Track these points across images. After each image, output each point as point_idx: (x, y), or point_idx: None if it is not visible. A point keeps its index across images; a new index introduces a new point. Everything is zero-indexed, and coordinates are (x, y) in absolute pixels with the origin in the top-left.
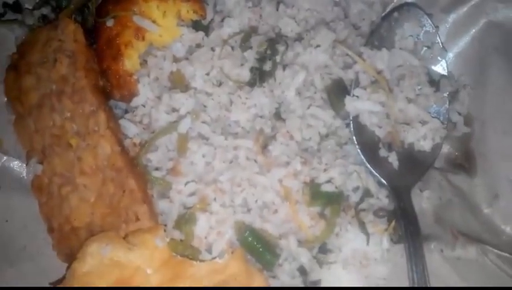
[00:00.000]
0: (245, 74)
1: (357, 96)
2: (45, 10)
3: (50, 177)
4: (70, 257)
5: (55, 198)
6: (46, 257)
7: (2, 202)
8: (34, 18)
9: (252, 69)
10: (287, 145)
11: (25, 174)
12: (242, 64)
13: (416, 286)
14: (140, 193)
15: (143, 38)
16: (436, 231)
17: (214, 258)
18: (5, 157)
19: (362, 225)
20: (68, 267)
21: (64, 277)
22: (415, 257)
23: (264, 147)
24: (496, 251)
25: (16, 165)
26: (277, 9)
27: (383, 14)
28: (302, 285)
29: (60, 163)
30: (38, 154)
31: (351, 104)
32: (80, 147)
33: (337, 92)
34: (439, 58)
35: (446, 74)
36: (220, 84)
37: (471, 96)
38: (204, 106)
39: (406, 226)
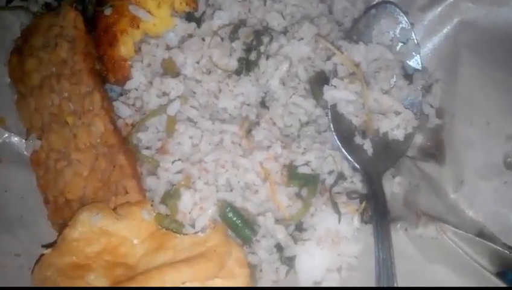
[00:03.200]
0: (233, 63)
1: (335, 86)
2: None
3: (47, 152)
4: (64, 227)
5: (52, 172)
6: (41, 226)
7: (3, 174)
8: (38, 5)
9: (239, 59)
10: (269, 131)
11: (24, 150)
12: (230, 54)
13: (380, 261)
14: (129, 168)
15: (138, 27)
16: (403, 213)
17: (197, 232)
18: (6, 134)
19: (335, 205)
20: (60, 235)
21: (55, 242)
22: (382, 235)
23: (248, 132)
24: (453, 228)
25: (17, 141)
26: (265, 4)
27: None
28: (279, 261)
29: (57, 139)
30: (38, 131)
31: (329, 93)
32: (76, 125)
33: (319, 82)
34: (413, 53)
35: (420, 68)
36: (209, 72)
37: (444, 90)
38: (194, 92)
39: (375, 207)
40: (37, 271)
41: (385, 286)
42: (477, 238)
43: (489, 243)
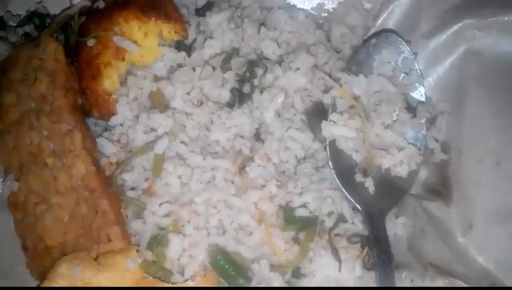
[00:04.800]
0: (225, 95)
1: (334, 122)
2: (28, 28)
3: (26, 194)
4: (44, 274)
5: (30, 216)
6: (20, 274)
7: None
8: (17, 35)
9: (232, 90)
10: (264, 168)
11: (1, 190)
12: (222, 85)
13: None
14: (113, 214)
15: (123, 59)
16: (408, 260)
17: (186, 280)
18: None
19: (335, 251)
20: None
21: None
22: (386, 285)
23: (242, 168)
24: (463, 284)
25: None
26: (259, 32)
27: (365, 38)
28: None
29: (36, 181)
30: (16, 172)
31: (327, 129)
32: (56, 166)
33: (317, 114)
34: (417, 84)
35: (424, 100)
36: (200, 104)
37: (449, 123)
38: (184, 126)
39: (378, 254)
40: None
41: None
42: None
43: None
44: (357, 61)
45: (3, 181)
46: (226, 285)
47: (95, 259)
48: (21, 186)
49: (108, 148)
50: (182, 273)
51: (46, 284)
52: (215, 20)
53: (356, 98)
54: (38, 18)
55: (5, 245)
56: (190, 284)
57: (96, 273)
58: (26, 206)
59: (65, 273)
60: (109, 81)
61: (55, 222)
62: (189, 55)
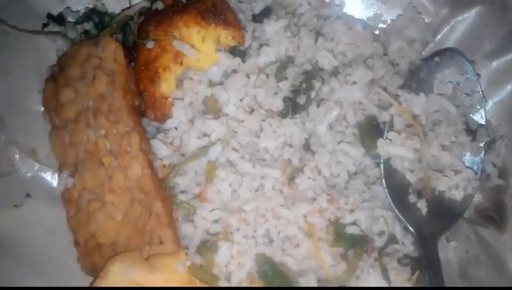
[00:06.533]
0: (278, 103)
1: (391, 140)
2: (87, 25)
3: (80, 191)
4: (93, 271)
5: (84, 212)
6: (70, 268)
7: (32, 210)
8: (76, 32)
9: (285, 99)
10: (314, 180)
11: (55, 185)
12: (276, 93)
13: None
14: (166, 217)
15: (181, 63)
16: (459, 285)
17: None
18: (37, 166)
19: (385, 271)
20: (91, 284)
21: None
22: None
23: (291, 179)
24: None
25: (48, 174)
26: (315, 42)
27: (425, 56)
28: None
29: (91, 179)
30: (71, 168)
31: (384, 148)
32: (112, 166)
33: (369, 129)
34: (478, 106)
35: (484, 123)
36: (251, 111)
37: (508, 147)
38: (235, 132)
39: (429, 277)
40: None
41: None
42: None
43: None
44: (417, 78)
45: (58, 176)
46: None
47: (146, 260)
48: (76, 182)
49: (161, 150)
50: (228, 280)
51: (98, 281)
52: (273, 28)
53: (414, 117)
54: (97, 16)
55: (56, 238)
56: None
57: (147, 274)
58: (79, 203)
59: (117, 272)
60: (166, 84)
61: (108, 221)
62: (243, 60)
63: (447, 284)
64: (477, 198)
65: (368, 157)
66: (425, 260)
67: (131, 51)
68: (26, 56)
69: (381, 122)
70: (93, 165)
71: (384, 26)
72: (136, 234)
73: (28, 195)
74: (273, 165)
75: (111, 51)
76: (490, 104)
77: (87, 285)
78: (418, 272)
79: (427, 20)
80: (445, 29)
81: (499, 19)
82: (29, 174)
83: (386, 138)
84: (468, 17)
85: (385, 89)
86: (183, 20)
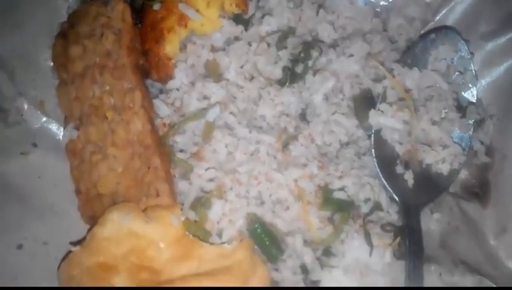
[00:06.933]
0: (277, 72)
1: (382, 111)
2: None
3: (84, 143)
4: (93, 219)
5: (86, 163)
6: (71, 216)
7: (38, 160)
8: None
9: (284, 68)
10: (307, 147)
11: (61, 137)
12: (276, 62)
13: None
14: (163, 171)
15: (185, 26)
16: (439, 255)
17: (223, 243)
18: (45, 118)
19: (368, 236)
20: (89, 230)
21: (84, 238)
22: (414, 276)
23: (285, 146)
24: (492, 284)
25: (54, 127)
26: (317, 14)
27: (421, 33)
28: (302, 283)
29: (95, 132)
30: (76, 121)
31: (375, 118)
32: (115, 120)
33: (364, 102)
34: (470, 85)
35: (475, 101)
36: (251, 78)
37: (497, 127)
38: (234, 97)
39: (410, 244)
40: (64, 268)
41: None
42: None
43: None
44: (412, 54)
45: (63, 128)
46: (260, 253)
47: (143, 211)
48: (80, 135)
49: (163, 109)
50: (219, 235)
51: (96, 228)
52: None
53: (407, 91)
54: None
55: (60, 188)
56: (227, 247)
57: (143, 224)
58: (83, 154)
59: (115, 220)
60: (171, 46)
61: (109, 172)
62: (246, 29)
63: (428, 253)
64: (464, 175)
65: (360, 129)
66: (407, 228)
67: (139, 12)
68: (38, 12)
69: (376, 95)
70: (97, 119)
71: (386, 3)
72: (134, 186)
73: (35, 145)
74: (269, 132)
75: (119, 10)
76: (483, 83)
77: (84, 232)
78: (399, 238)
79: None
80: (445, 9)
81: (496, 2)
82: (36, 125)
83: (378, 109)
84: None
85: (382, 64)
86: None
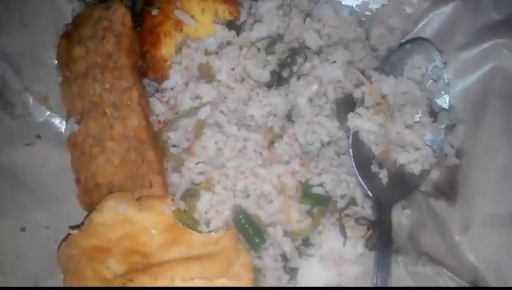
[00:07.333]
0: (265, 75)
1: (359, 115)
2: None
3: (84, 137)
4: (90, 207)
5: (86, 155)
6: (70, 204)
7: (41, 150)
8: None
9: (272, 72)
10: (290, 146)
11: (63, 130)
12: (264, 66)
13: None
14: (156, 164)
15: (181, 30)
16: (406, 247)
17: (210, 231)
18: (48, 112)
19: (343, 228)
20: (87, 216)
21: (82, 223)
22: (382, 264)
23: (271, 144)
24: (450, 274)
25: (57, 121)
26: (304, 22)
27: (400, 42)
28: (282, 269)
29: (95, 126)
30: (77, 116)
31: (353, 121)
32: (113, 116)
33: (345, 105)
34: (442, 92)
35: (446, 107)
36: (241, 80)
37: (467, 132)
38: (225, 98)
39: (380, 236)
40: (63, 249)
41: None
42: (470, 286)
43: None
44: (390, 62)
45: (66, 122)
46: (243, 241)
47: (137, 200)
48: (81, 128)
49: (158, 107)
50: (207, 224)
51: (94, 214)
52: (266, 6)
53: (383, 96)
54: None
55: (61, 176)
56: (213, 235)
57: (136, 211)
58: (83, 147)
59: (111, 207)
60: (167, 49)
61: (107, 164)
62: (238, 34)
63: (396, 245)
64: (435, 175)
65: (341, 130)
66: (379, 222)
67: (139, 16)
68: (45, 14)
69: (356, 99)
70: (97, 115)
71: (370, 13)
72: (129, 177)
73: (39, 136)
74: (257, 131)
75: (120, 15)
76: (456, 91)
77: (82, 218)
78: (371, 231)
79: (409, 11)
80: (424, 21)
81: (472, 15)
82: (40, 119)
83: (356, 112)
84: (446, 11)
85: (363, 71)
86: None
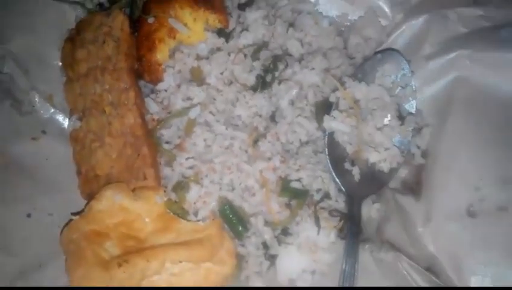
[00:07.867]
0: (251, 79)
1: (334, 117)
2: None
3: (85, 132)
4: (90, 196)
5: (86, 149)
6: (72, 193)
7: (46, 144)
8: (93, 4)
9: (257, 76)
10: (273, 144)
11: (66, 126)
12: (250, 71)
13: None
14: (150, 159)
15: (174, 37)
16: (374, 237)
17: (198, 220)
18: (53, 110)
19: (317, 219)
20: (87, 204)
21: (83, 210)
22: (351, 252)
23: (255, 142)
24: (408, 260)
25: (61, 117)
26: (287, 31)
27: (375, 51)
28: (263, 256)
29: (95, 123)
30: (79, 113)
31: (328, 123)
32: (112, 114)
33: (324, 108)
34: (410, 98)
35: (414, 112)
36: (229, 83)
37: (432, 134)
38: (214, 99)
39: (350, 226)
40: (66, 232)
41: None
42: (426, 272)
43: (434, 278)
44: (363, 70)
45: (68, 119)
46: (228, 230)
47: (132, 191)
48: (82, 125)
49: (153, 107)
50: (195, 214)
51: (93, 202)
52: (253, 16)
53: (356, 101)
54: None
55: (63, 168)
56: (200, 223)
57: (132, 201)
58: (84, 141)
59: (109, 197)
60: (161, 53)
61: (105, 157)
62: (227, 41)
63: (366, 235)
64: (404, 173)
65: (319, 131)
66: (349, 214)
67: (136, 23)
68: (51, 19)
69: (332, 103)
70: (97, 113)
71: (349, 24)
72: (126, 170)
73: (44, 132)
74: (243, 130)
75: (119, 21)
76: (423, 97)
77: (82, 206)
78: (343, 221)
79: (384, 23)
80: (397, 32)
81: (440, 27)
82: (45, 115)
83: (331, 115)
84: (417, 23)
85: (340, 77)
86: (179, 2)
